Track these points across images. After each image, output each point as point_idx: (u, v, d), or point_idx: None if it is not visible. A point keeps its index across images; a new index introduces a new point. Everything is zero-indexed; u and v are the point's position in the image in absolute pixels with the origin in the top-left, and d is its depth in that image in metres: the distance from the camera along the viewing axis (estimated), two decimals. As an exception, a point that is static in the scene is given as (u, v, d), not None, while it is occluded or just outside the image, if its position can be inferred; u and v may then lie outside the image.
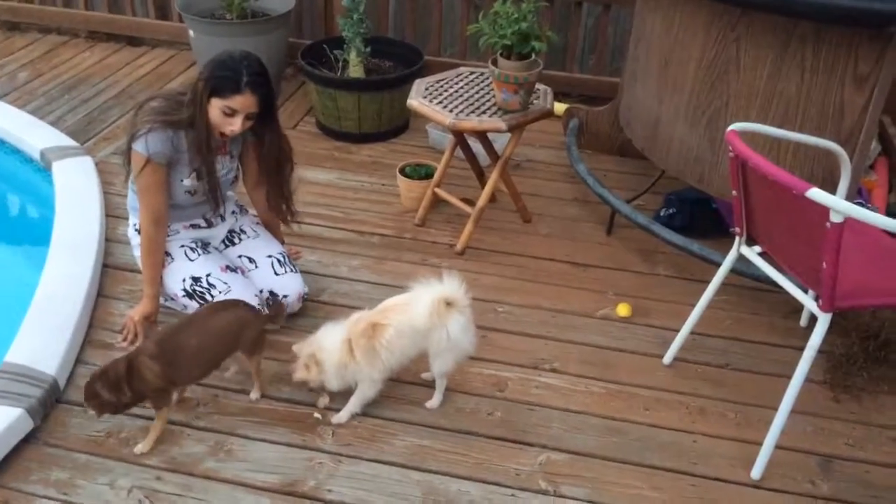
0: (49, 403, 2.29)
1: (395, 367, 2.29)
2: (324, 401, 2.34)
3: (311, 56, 3.90)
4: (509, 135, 3.03)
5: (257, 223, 2.81)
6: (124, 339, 2.54)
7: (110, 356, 2.48)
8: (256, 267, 2.67)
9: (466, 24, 3.98)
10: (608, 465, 2.22)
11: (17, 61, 4.55)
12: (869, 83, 2.41)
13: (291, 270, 2.69)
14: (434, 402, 2.38)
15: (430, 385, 2.41)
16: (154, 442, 2.19)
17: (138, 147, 2.35)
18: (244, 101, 2.32)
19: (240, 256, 2.70)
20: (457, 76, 3.25)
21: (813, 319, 2.17)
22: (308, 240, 3.11)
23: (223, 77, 2.31)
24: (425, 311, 2.17)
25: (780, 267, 2.20)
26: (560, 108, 3.80)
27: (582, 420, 2.36)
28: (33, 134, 3.64)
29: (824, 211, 1.82)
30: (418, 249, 3.10)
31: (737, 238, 2.30)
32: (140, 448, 2.18)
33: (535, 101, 3.03)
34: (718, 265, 2.43)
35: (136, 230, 2.62)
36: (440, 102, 3.01)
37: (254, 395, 2.38)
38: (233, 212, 2.76)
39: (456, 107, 2.98)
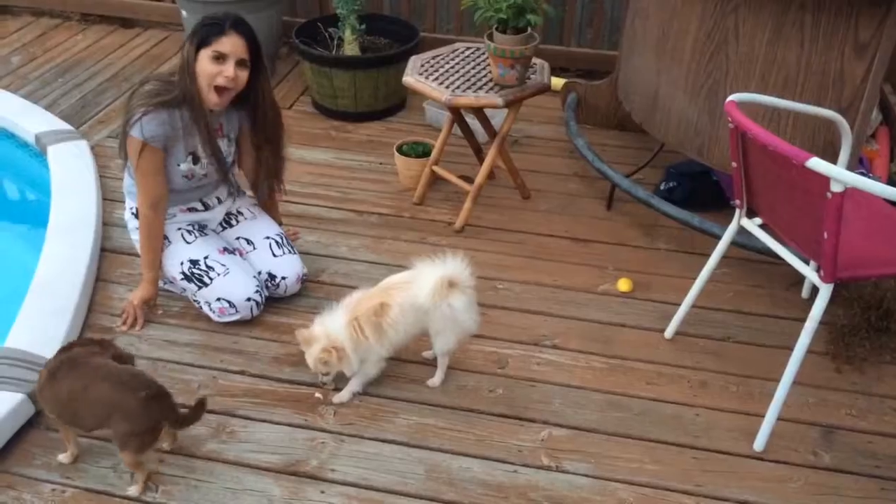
0: (50, 388, 2.29)
1: (398, 346, 2.29)
2: (328, 377, 2.32)
3: (305, 34, 3.86)
4: (506, 111, 3.00)
5: (255, 205, 2.79)
6: (123, 323, 2.54)
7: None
8: (254, 249, 2.66)
9: (462, -1, 3.94)
10: (610, 439, 2.22)
11: (9, 45, 4.51)
12: (869, 51, 2.38)
13: (290, 251, 2.67)
14: (436, 380, 2.37)
15: (431, 364, 2.41)
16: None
17: (134, 132, 2.33)
18: (231, 42, 2.31)
19: (238, 238, 2.69)
20: (452, 52, 3.22)
21: (814, 291, 2.16)
22: (306, 220, 3.10)
23: (207, 26, 2.32)
24: (428, 289, 2.16)
25: (781, 238, 2.19)
26: (558, 82, 3.77)
27: (583, 395, 2.36)
28: (28, 118, 3.61)
29: (825, 181, 1.80)
30: (417, 228, 3.09)
31: (737, 210, 2.28)
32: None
33: (531, 76, 3.00)
34: (719, 238, 2.41)
35: (132, 213, 2.60)
36: (436, 79, 2.98)
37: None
38: (230, 193, 2.75)
39: (452, 83, 2.96)
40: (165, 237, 2.55)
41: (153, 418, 1.95)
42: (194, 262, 2.53)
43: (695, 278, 2.47)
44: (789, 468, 2.15)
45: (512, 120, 3.01)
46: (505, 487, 2.08)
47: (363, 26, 3.79)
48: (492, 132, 3.23)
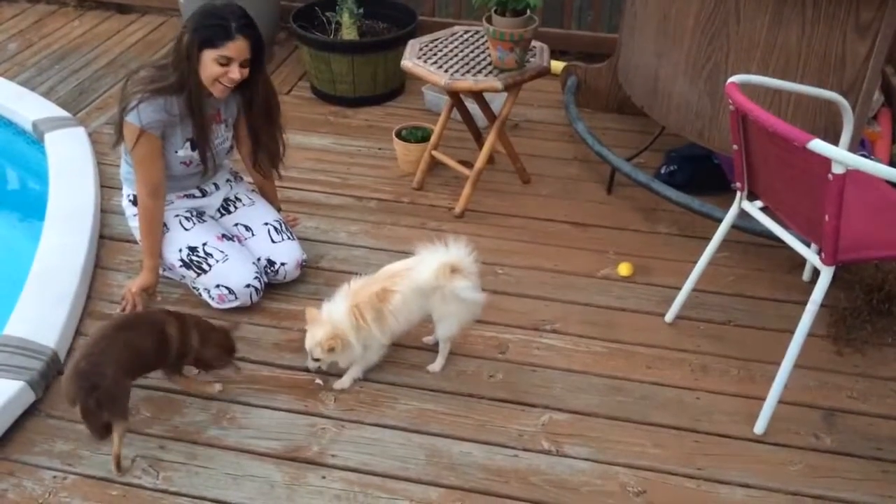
0: (50, 376, 2.28)
1: (400, 333, 2.28)
2: (318, 363, 2.30)
3: (303, 19, 3.83)
4: (506, 94, 2.98)
5: (253, 191, 2.78)
6: (122, 310, 2.53)
7: (109, 327, 2.49)
8: (253, 235, 2.65)
9: (460, -18, 3.91)
10: (611, 423, 2.22)
11: (6, 32, 4.48)
12: (871, 32, 2.36)
13: (289, 237, 2.66)
14: (436, 365, 2.37)
15: (432, 349, 2.41)
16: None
17: (131, 119, 2.32)
18: (237, 48, 2.29)
19: (236, 225, 2.68)
20: (451, 35, 3.19)
21: (816, 273, 2.15)
22: (305, 206, 3.08)
23: (212, 26, 2.27)
24: (430, 275, 2.16)
25: (782, 221, 2.17)
26: (557, 66, 3.74)
27: (584, 380, 2.36)
28: (25, 105, 3.59)
29: (826, 163, 1.79)
30: (417, 213, 3.08)
31: (738, 193, 2.27)
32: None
33: (531, 60, 2.97)
34: (720, 221, 2.40)
35: (129, 200, 2.59)
36: (435, 63, 2.96)
37: None
38: (227, 180, 2.74)
39: (451, 67, 2.93)
40: (164, 224, 2.54)
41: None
42: (193, 249, 2.52)
43: (695, 262, 2.46)
44: (790, 451, 2.15)
45: (511, 104, 2.99)
46: (506, 472, 2.08)
47: (361, 10, 3.77)
48: (491, 116, 3.21)
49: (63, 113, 3.58)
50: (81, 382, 1.98)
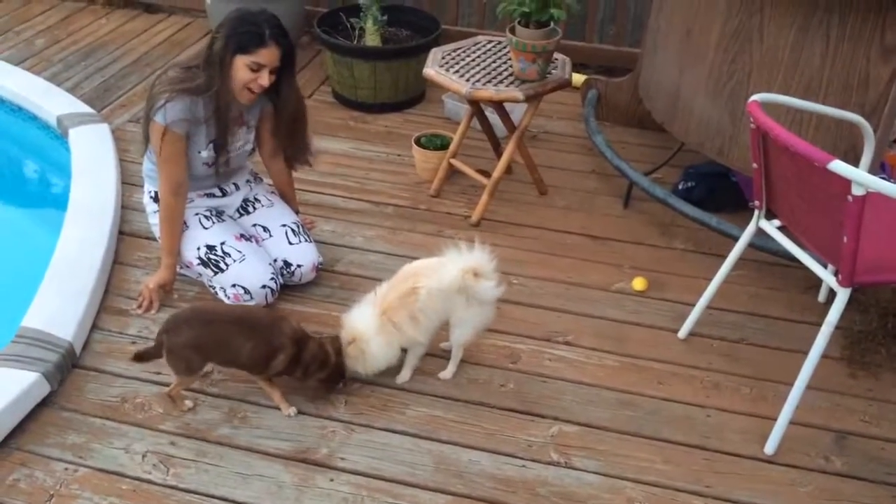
0: (65, 368, 2.31)
1: (432, 330, 2.29)
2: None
3: (327, 24, 3.87)
4: (526, 105, 2.99)
5: (272, 192, 2.81)
6: (139, 307, 2.56)
7: (125, 322, 2.52)
8: (271, 236, 2.67)
9: (484, -8, 3.93)
10: (620, 437, 2.22)
11: (34, 27, 4.55)
12: (895, 55, 2.35)
13: (306, 240, 2.68)
14: (447, 373, 2.38)
15: (443, 356, 2.41)
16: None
17: (158, 117, 2.35)
18: (270, 55, 2.32)
19: (254, 225, 2.70)
20: (474, 45, 3.21)
21: (831, 295, 2.14)
22: (323, 209, 3.10)
23: (246, 33, 2.31)
24: (456, 276, 2.16)
25: (800, 241, 2.17)
26: (578, 78, 3.75)
27: (595, 393, 2.35)
28: (50, 100, 3.64)
29: (846, 184, 1.78)
30: (433, 220, 3.09)
31: (756, 211, 2.26)
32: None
33: (552, 71, 2.98)
34: (736, 239, 2.40)
35: (150, 197, 2.62)
36: (457, 72, 2.98)
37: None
38: (247, 181, 2.76)
39: (473, 76, 2.95)
40: (184, 222, 2.56)
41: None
42: (211, 248, 2.54)
43: (710, 279, 2.46)
44: (800, 472, 2.13)
45: (531, 114, 3.00)
46: (513, 482, 2.08)
47: (385, 17, 3.79)
48: (511, 126, 3.22)
49: (88, 109, 3.62)
50: (165, 324, 2.18)
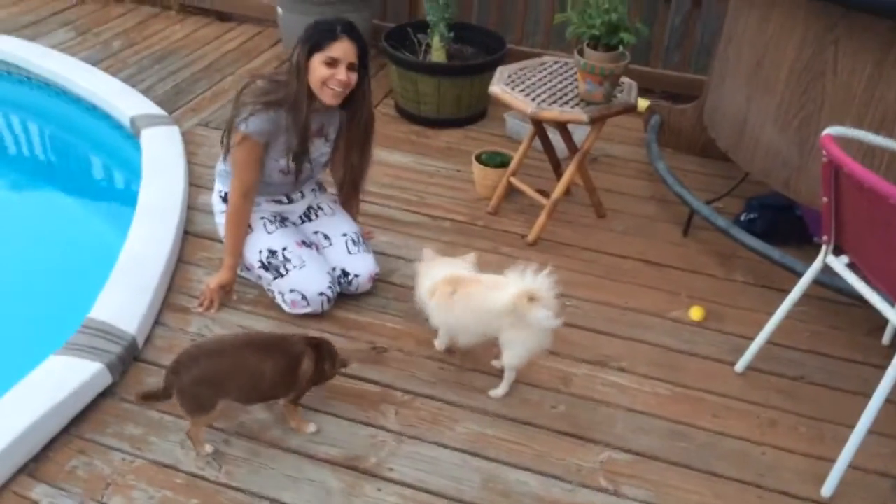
0: (127, 360, 2.37)
1: (453, 332, 2.37)
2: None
3: (394, 39, 3.92)
4: (590, 127, 2.99)
5: (335, 201, 2.85)
6: (200, 305, 2.62)
7: (186, 320, 2.57)
8: (331, 244, 2.71)
9: (552, 13, 3.95)
10: (671, 468, 2.19)
11: (111, 29, 4.71)
12: (977, 94, 2.29)
13: (364, 250, 2.71)
14: (499, 391, 2.37)
15: (496, 374, 2.41)
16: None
17: (241, 127, 2.42)
18: (343, 48, 2.37)
19: (315, 232, 2.74)
20: (540, 65, 3.22)
21: (898, 337, 2.09)
22: (381, 220, 3.14)
23: (319, 31, 2.39)
24: (508, 299, 2.15)
25: (867, 279, 2.12)
26: (643, 103, 3.73)
27: (647, 421, 2.33)
28: (124, 101, 3.76)
29: (922, 224, 1.74)
30: (490, 237, 3.10)
31: (823, 247, 2.22)
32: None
33: (618, 95, 2.98)
34: (799, 275, 2.35)
35: (220, 197, 2.68)
36: (522, 90, 2.99)
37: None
38: (313, 189, 2.81)
39: (538, 96, 2.96)
40: (248, 225, 2.62)
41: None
42: (272, 252, 2.59)
43: (770, 313, 2.41)
44: (857, 518, 2.08)
45: (595, 137, 3.00)
46: (561, 505, 2.07)
47: (451, 34, 3.83)
48: (572, 148, 3.22)
49: (159, 111, 3.73)
50: (171, 365, 2.07)
